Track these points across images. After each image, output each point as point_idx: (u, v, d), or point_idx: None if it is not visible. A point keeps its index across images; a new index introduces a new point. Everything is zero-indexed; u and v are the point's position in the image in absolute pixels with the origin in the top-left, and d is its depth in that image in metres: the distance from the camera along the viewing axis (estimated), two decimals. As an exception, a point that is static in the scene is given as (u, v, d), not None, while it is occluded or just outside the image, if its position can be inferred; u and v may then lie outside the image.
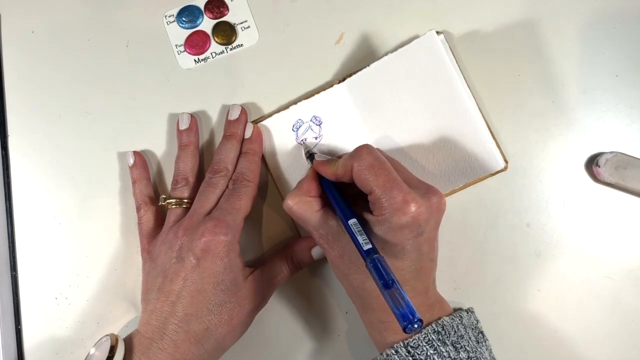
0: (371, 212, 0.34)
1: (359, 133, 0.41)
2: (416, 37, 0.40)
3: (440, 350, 0.33)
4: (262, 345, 0.42)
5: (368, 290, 0.34)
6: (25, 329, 0.43)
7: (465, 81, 0.40)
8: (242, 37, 0.44)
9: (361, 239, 0.32)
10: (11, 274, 0.43)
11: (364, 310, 0.36)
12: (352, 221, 0.33)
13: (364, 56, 0.43)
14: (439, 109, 0.40)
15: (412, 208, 0.32)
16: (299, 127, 0.41)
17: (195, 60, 0.44)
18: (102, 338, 0.36)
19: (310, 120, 0.41)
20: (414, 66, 0.40)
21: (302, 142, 0.41)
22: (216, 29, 0.44)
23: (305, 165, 0.41)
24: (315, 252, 0.40)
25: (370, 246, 0.31)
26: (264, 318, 0.42)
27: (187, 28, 0.44)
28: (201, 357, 0.36)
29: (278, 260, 0.40)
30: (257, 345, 0.42)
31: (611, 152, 0.39)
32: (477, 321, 0.37)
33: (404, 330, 0.27)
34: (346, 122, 0.41)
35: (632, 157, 0.39)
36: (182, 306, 0.35)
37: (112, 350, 0.34)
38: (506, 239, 0.41)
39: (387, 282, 0.28)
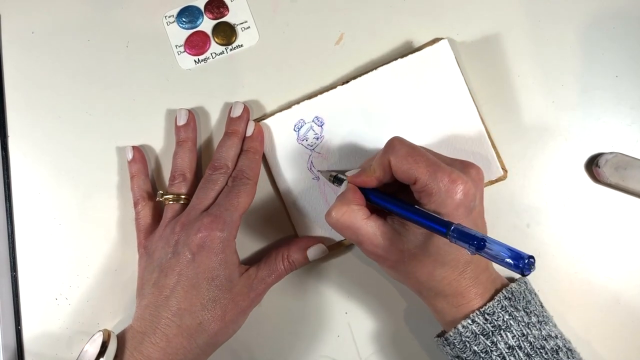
0: (417, 203, 0.33)
1: (361, 136, 0.41)
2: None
3: (515, 316, 0.33)
4: (262, 345, 0.42)
5: (438, 278, 0.34)
6: (25, 329, 0.43)
7: (467, 84, 0.40)
8: (242, 37, 0.44)
9: (433, 215, 0.31)
10: (11, 274, 0.43)
11: (435, 298, 0.35)
12: (416, 207, 0.32)
13: (363, 57, 0.43)
14: (443, 117, 0.40)
15: (460, 186, 0.32)
16: (301, 127, 0.41)
17: (195, 61, 0.44)
18: (94, 334, 0.36)
19: (312, 121, 0.41)
20: (423, 73, 0.40)
21: (317, 172, 0.41)
22: (216, 29, 0.44)
23: (305, 164, 0.41)
24: (311, 253, 0.40)
25: (445, 219, 0.31)
26: (264, 318, 0.42)
27: (187, 28, 0.44)
28: (193, 352, 0.36)
29: (274, 259, 0.40)
30: (257, 345, 0.42)
31: (611, 153, 0.39)
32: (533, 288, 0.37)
33: (522, 272, 0.26)
34: (348, 124, 0.41)
35: (632, 157, 0.39)
36: (175, 300, 0.36)
37: (105, 345, 0.34)
38: (506, 239, 0.40)
39: (479, 243, 0.28)
